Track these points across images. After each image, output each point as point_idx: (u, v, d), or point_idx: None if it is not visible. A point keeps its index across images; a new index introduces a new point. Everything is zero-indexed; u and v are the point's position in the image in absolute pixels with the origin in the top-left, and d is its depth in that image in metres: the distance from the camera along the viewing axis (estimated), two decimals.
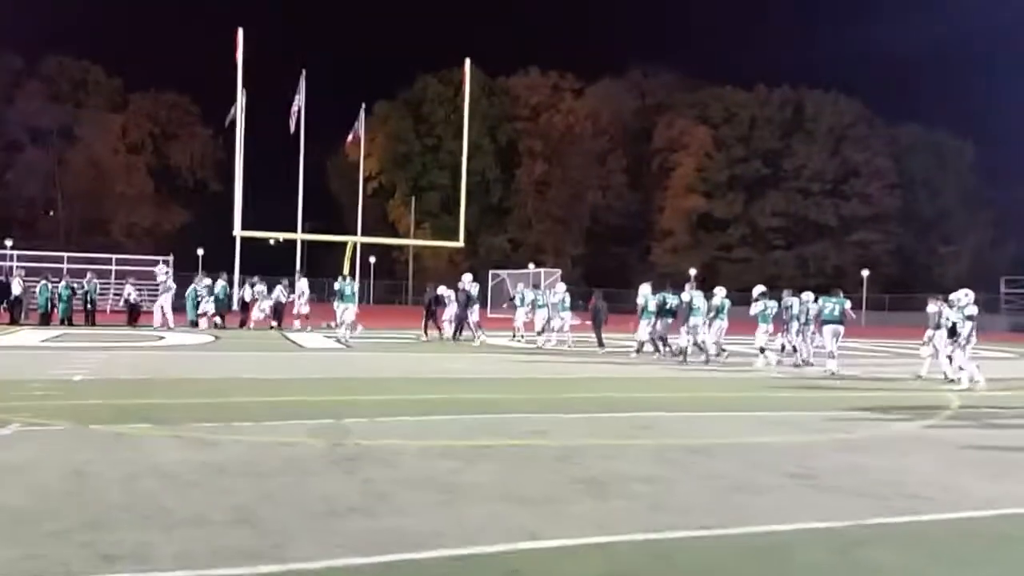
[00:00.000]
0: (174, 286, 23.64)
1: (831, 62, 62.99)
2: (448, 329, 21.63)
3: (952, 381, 13.55)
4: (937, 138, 60.35)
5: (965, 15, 58.76)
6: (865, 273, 50.63)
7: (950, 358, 13.79)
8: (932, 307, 15.01)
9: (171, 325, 21.96)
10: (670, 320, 17.53)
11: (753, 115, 62.20)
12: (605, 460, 6.50)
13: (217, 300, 23.17)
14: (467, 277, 21.91)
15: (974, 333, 13.54)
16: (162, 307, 22.63)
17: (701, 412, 9.66)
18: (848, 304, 16.42)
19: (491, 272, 41.99)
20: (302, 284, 24.05)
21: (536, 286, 29.21)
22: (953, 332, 13.53)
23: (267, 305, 23.68)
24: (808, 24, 59.67)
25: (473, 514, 4.78)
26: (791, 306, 17.19)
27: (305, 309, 23.62)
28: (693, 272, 48.30)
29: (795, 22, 61.28)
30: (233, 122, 26.08)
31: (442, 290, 22.14)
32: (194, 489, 5.18)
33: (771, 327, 16.96)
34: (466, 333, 20.87)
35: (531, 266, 40.86)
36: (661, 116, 63.68)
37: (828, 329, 15.72)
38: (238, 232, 24.28)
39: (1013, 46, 60.75)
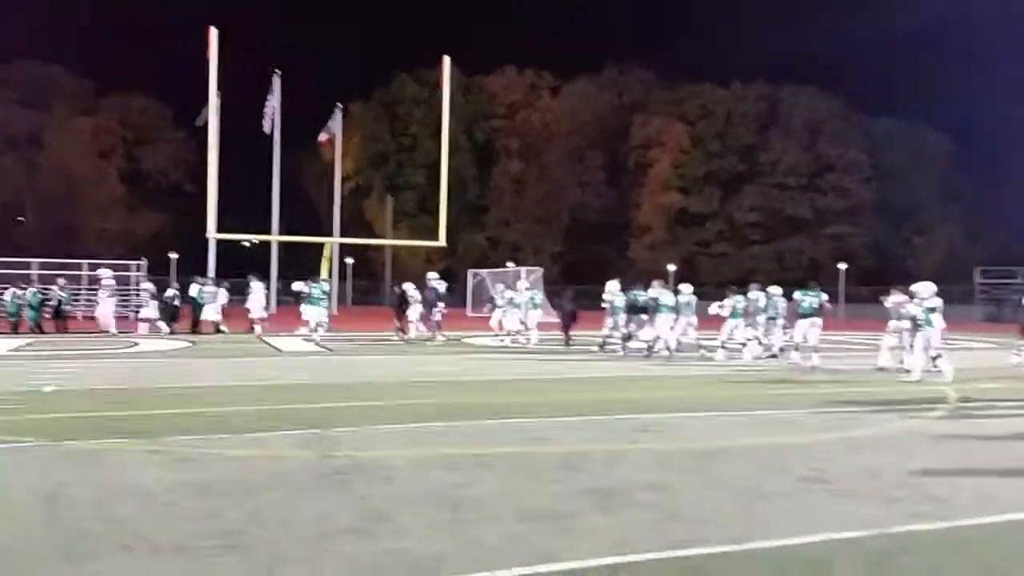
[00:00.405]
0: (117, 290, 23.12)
1: (806, 56, 63.44)
2: (416, 328, 21.28)
3: (907, 372, 13.53)
4: (912, 131, 60.74)
5: (942, 5, 59.26)
6: (842, 266, 50.90)
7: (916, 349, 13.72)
8: (892, 299, 15.08)
9: (113, 331, 21.44)
10: (643, 317, 17.51)
11: (729, 111, 62.31)
12: (609, 467, 6.23)
13: (195, 304, 22.60)
14: (432, 275, 21.67)
15: (936, 325, 13.49)
16: (105, 312, 22.09)
17: (696, 412, 9.40)
18: (825, 297, 16.48)
19: (471, 271, 41.70)
20: (256, 287, 23.32)
21: (515, 286, 29.02)
22: (914, 324, 13.51)
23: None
24: (783, 17, 60.03)
25: (479, 533, 4.47)
26: (757, 300, 17.20)
27: (260, 313, 22.86)
28: (672, 268, 48.41)
29: (769, 16, 61.62)
30: (206, 124, 25.53)
31: (408, 288, 21.75)
32: (176, 512, 4.83)
33: (740, 322, 16.94)
34: (425, 332, 20.66)
35: (510, 264, 40.59)
36: (638, 113, 63.61)
37: (806, 323, 15.71)
38: (212, 235, 23.72)
39: (988, 38, 61.51)
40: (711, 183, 62.40)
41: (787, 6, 61.86)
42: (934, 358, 13.30)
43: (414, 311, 21.37)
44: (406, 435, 7.55)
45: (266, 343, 19.47)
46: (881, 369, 14.70)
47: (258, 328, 22.24)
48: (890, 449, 7.25)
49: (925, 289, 13.59)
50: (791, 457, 6.75)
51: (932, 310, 13.40)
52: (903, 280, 15.92)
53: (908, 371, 13.50)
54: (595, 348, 18.21)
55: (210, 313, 22.62)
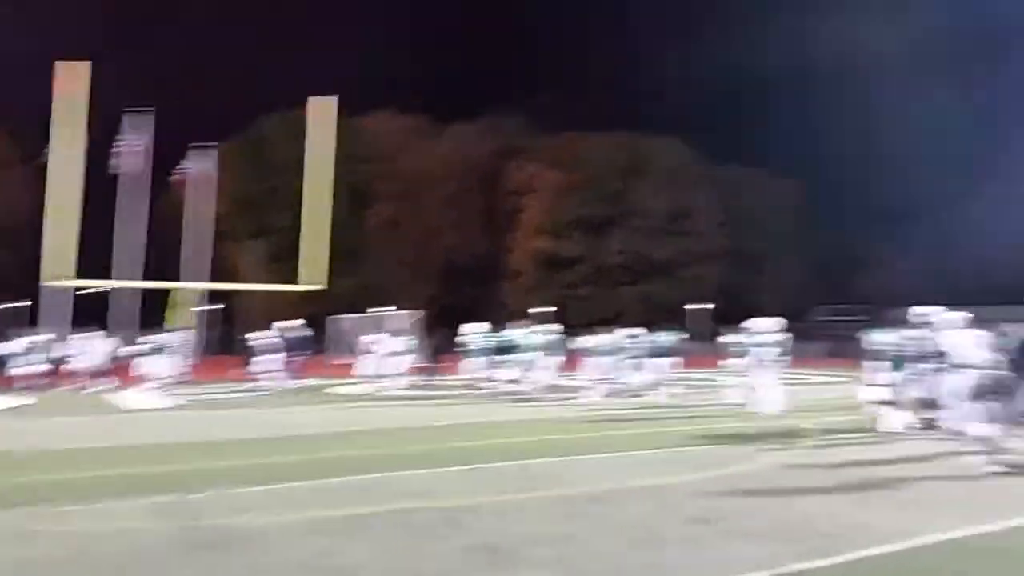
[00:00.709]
0: None
1: (666, 106, 66.78)
2: (271, 379, 20.21)
3: (745, 404, 14.24)
4: (760, 177, 65.12)
5: (787, 56, 64.05)
6: (699, 306, 53.46)
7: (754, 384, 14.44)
8: (728, 337, 15.93)
9: None
10: (508, 358, 17.68)
11: (596, 159, 64.58)
12: (496, 520, 5.96)
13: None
14: (289, 323, 20.83)
15: (775, 359, 14.22)
16: None
17: (576, 455, 9.24)
18: (682, 336, 17.35)
19: (333, 317, 40.79)
20: (92, 338, 21.49)
21: (388, 329, 28.61)
22: (751, 359, 14.26)
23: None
24: (644, 70, 63.02)
25: None
26: (617, 340, 17.67)
27: (96, 367, 20.92)
28: (542, 310, 49.14)
29: (630, 69, 64.55)
30: (46, 162, 23.74)
31: (258, 336, 20.78)
32: None
33: (601, 361, 17.33)
34: (282, 382, 19.66)
35: (381, 309, 39.84)
36: (512, 159, 64.89)
37: (664, 362, 16.45)
38: (46, 282, 21.89)
39: (832, 86, 66.89)
40: (580, 228, 64.19)
41: (653, 57, 65.15)
42: (767, 391, 14.00)
43: (267, 360, 20.23)
44: (273, 497, 6.98)
45: (111, 400, 17.96)
46: (732, 404, 15.24)
47: (100, 383, 20.49)
48: (767, 484, 7.39)
49: (763, 325, 14.37)
50: (681, 498, 6.74)
51: (768, 345, 14.14)
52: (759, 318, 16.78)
53: (743, 404, 14.18)
54: (460, 392, 18.14)
55: (34, 367, 20.66)
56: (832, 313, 56.14)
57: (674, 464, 8.65)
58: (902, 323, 12.75)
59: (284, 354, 19.90)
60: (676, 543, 5.31)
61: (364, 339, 22.78)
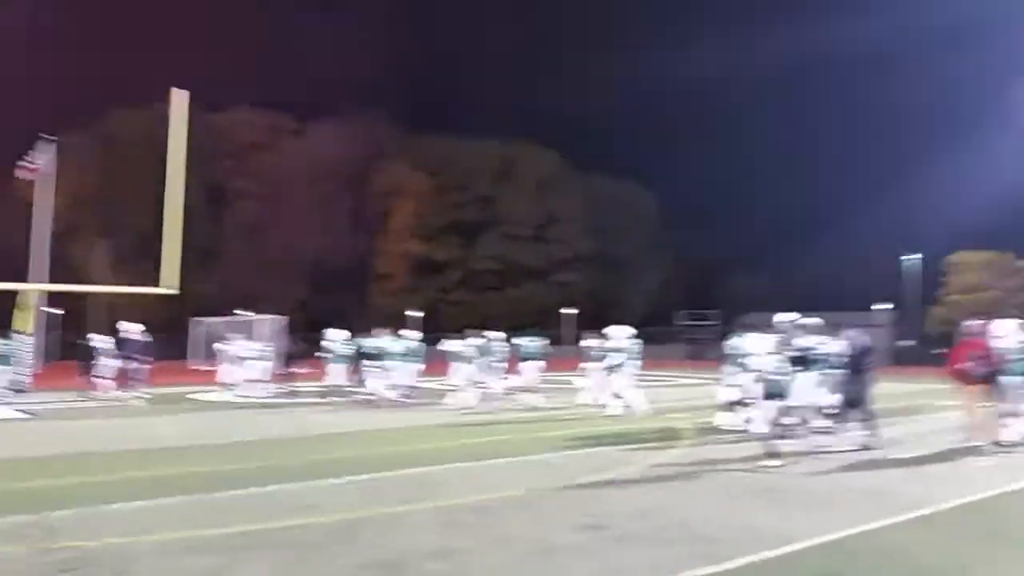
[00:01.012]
0: None
1: (536, 115, 67.89)
2: (108, 385, 18.82)
3: (604, 407, 14.88)
4: (624, 187, 67.50)
5: (655, 74, 66.77)
6: (567, 311, 54.78)
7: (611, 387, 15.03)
8: (588, 341, 16.66)
9: None
10: (372, 364, 17.62)
11: (467, 164, 64.80)
12: (387, 534, 5.81)
13: None
14: (132, 326, 19.51)
15: (631, 363, 14.90)
16: None
17: (458, 463, 9.16)
18: (547, 341, 17.84)
19: (192, 319, 38.87)
20: None
21: (251, 334, 27.66)
22: (608, 363, 14.91)
23: None
24: (515, 79, 63.74)
25: None
26: (482, 344, 17.83)
27: None
28: (413, 315, 48.78)
29: (507, 73, 65.07)
30: None
31: (99, 340, 19.43)
32: None
33: (469, 367, 17.43)
34: (123, 390, 18.39)
35: (245, 313, 38.27)
36: (381, 161, 63.99)
37: (530, 365, 16.89)
38: None
39: (691, 103, 70.33)
40: (452, 232, 64.18)
41: (525, 66, 66.01)
42: (624, 394, 14.61)
43: (106, 366, 18.81)
44: (143, 514, 6.50)
45: None
46: (592, 406, 15.68)
47: None
48: (656, 488, 7.61)
49: (618, 332, 15.02)
50: (565, 504, 6.82)
51: (622, 350, 14.75)
52: (618, 323, 17.38)
53: (604, 406, 14.78)
54: (325, 400, 17.80)
55: None
56: (691, 318, 58.85)
57: (556, 469, 8.75)
58: (757, 328, 13.59)
59: (128, 360, 18.59)
60: (568, 552, 5.36)
61: (224, 344, 21.83)
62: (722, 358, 13.33)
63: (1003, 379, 10.44)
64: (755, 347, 10.35)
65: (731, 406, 12.38)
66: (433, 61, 72.87)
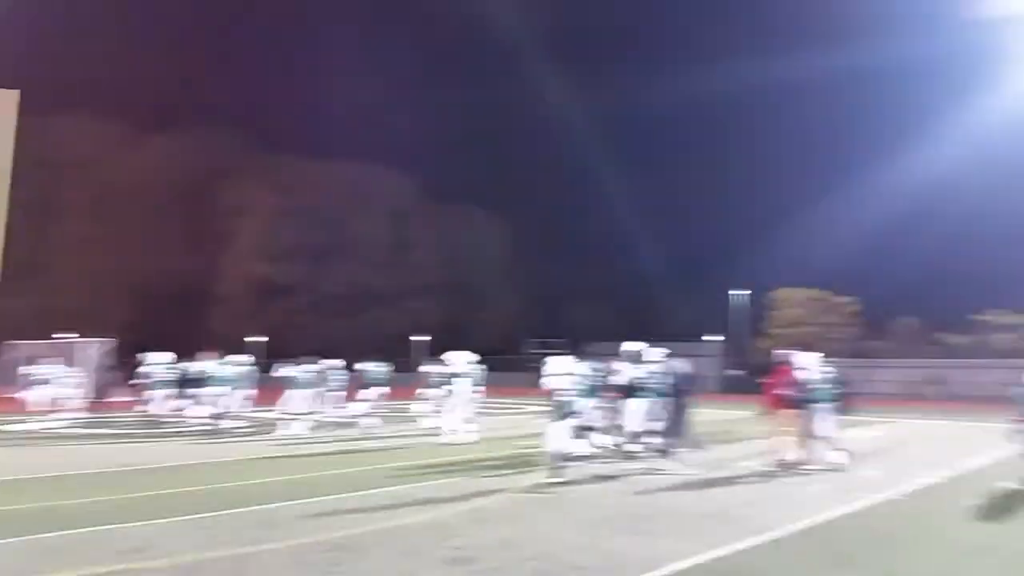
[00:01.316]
0: None
1: (394, 141, 67.11)
2: None
3: (441, 433, 14.91)
4: (479, 216, 68.22)
5: (501, 102, 67.93)
6: (417, 338, 54.43)
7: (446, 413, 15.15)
8: (426, 367, 16.90)
9: None
10: (197, 391, 16.95)
11: (320, 185, 63.27)
12: None
13: None
14: None
15: (471, 389, 15.11)
16: None
17: (308, 498, 8.55)
18: (390, 367, 17.92)
19: (5, 343, 35.39)
20: None
21: (68, 358, 25.49)
22: (447, 390, 15.10)
23: None
24: (372, 103, 62.73)
25: None
26: (318, 371, 17.48)
27: None
28: (261, 339, 46.79)
29: (360, 98, 63.92)
30: None
31: None
32: None
33: (304, 393, 16.94)
34: None
35: (65, 335, 35.21)
36: (227, 179, 61.23)
37: (372, 392, 16.90)
38: None
39: (542, 140, 72.19)
40: (299, 254, 62.29)
41: (380, 86, 65.17)
42: (462, 421, 14.71)
43: None
44: None
45: None
46: (431, 433, 15.50)
47: None
48: (511, 516, 7.54)
49: (457, 357, 15.21)
50: (428, 538, 6.61)
51: (462, 376, 14.89)
52: (469, 351, 17.49)
53: (439, 433, 14.79)
54: (145, 429, 16.69)
55: None
56: (540, 346, 60.06)
57: (411, 501, 8.46)
58: (600, 356, 14.12)
59: None
60: None
61: (32, 369, 20.09)
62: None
63: (808, 406, 11.46)
64: (552, 368, 10.96)
65: (579, 431, 12.54)
66: (285, 79, 70.68)
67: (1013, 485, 10.01)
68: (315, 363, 17.62)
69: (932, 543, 6.98)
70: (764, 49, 57.61)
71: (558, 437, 10.06)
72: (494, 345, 51.66)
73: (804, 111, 60.66)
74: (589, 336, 47.13)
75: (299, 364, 17.45)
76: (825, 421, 11.62)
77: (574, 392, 10.50)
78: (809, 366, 12.13)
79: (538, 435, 14.86)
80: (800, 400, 11.62)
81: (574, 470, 10.54)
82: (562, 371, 10.68)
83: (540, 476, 10.13)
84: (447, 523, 7.28)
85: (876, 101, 61.10)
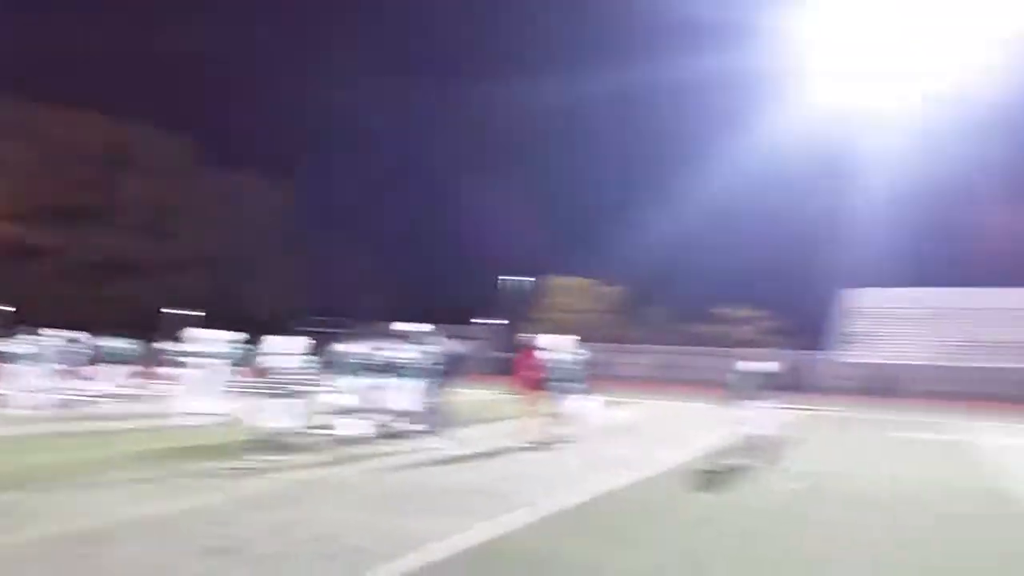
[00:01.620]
0: None
1: (165, 96, 61.71)
2: None
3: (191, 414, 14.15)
4: (257, 184, 64.94)
5: (302, 72, 65.03)
6: (179, 311, 51.24)
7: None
8: (176, 345, 16.55)
9: None
10: None
11: (78, 141, 56.90)
12: None
13: None
14: None
15: (219, 368, 14.69)
16: None
17: (54, 484, 7.76)
18: (137, 344, 17.22)
19: None
20: None
21: None
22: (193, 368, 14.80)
23: None
24: (139, 53, 57.23)
25: None
26: (52, 344, 16.33)
27: None
28: (6, 309, 41.65)
29: (125, 46, 57.89)
30: None
31: None
32: None
33: (34, 368, 15.72)
34: None
35: None
36: None
37: (113, 369, 16.26)
38: None
39: (354, 116, 69.99)
40: (53, 215, 55.91)
41: (150, 29, 59.59)
42: (209, 401, 14.10)
43: None
44: None
45: None
46: (180, 413, 14.16)
47: None
48: (284, 500, 7.41)
49: (210, 335, 14.87)
50: (190, 526, 6.26)
51: (206, 354, 14.64)
52: (246, 327, 16.96)
53: (191, 413, 13.90)
54: None
55: None
56: (316, 324, 58.75)
57: (169, 487, 7.88)
58: (375, 335, 14.26)
59: None
60: None
61: None
62: (329, 365, 13.18)
63: (552, 385, 12.61)
64: (275, 347, 11.48)
65: (349, 412, 12.60)
66: (51, 23, 62.62)
67: (737, 461, 11.53)
68: (52, 336, 16.17)
69: (670, 516, 7.72)
70: (569, 61, 60.87)
71: (274, 414, 10.56)
72: (267, 323, 49.67)
73: (603, 123, 64.95)
74: (371, 317, 46.96)
75: (33, 336, 15.98)
76: (568, 400, 12.75)
77: (293, 371, 11.03)
78: (556, 349, 13.16)
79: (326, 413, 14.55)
80: (543, 381, 12.61)
81: (345, 451, 10.70)
82: (280, 350, 11.20)
83: (310, 457, 10.16)
84: (215, 509, 6.93)
85: (670, 114, 65.97)
